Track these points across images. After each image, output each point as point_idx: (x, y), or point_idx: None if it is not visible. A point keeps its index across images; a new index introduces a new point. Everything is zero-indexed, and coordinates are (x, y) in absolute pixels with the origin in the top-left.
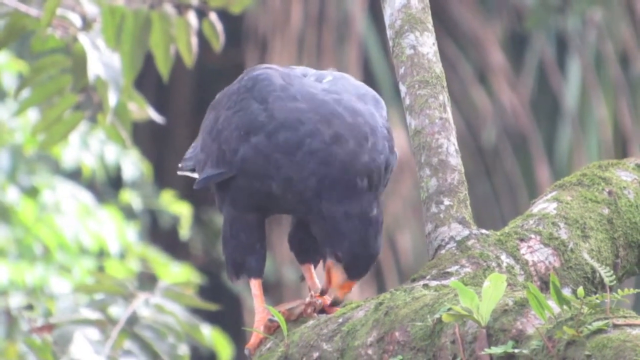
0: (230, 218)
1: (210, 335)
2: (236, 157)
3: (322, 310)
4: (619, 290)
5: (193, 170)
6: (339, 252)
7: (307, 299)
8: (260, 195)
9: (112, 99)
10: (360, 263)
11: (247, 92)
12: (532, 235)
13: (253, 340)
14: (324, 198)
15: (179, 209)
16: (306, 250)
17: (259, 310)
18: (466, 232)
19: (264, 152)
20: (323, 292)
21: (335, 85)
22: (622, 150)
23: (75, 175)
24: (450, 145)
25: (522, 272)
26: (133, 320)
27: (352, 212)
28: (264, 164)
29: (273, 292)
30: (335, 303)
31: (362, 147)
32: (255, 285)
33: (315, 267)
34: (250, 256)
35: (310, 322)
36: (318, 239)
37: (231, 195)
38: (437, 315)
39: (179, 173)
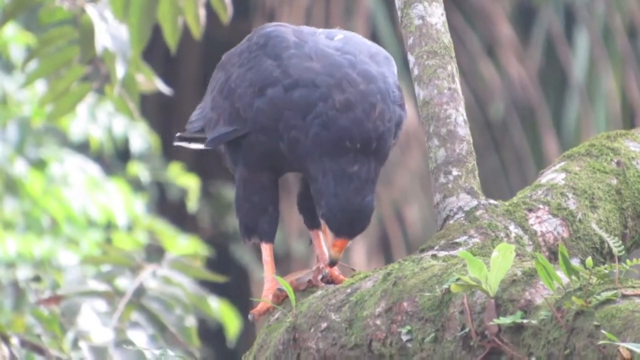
0: (244, 179)
1: (218, 307)
2: (251, 112)
3: (331, 281)
4: (627, 261)
5: (192, 140)
6: (320, 209)
7: (314, 267)
8: (271, 153)
9: (119, 70)
10: (338, 218)
11: (259, 50)
12: (541, 206)
13: (259, 307)
14: (313, 157)
15: (187, 182)
16: (314, 212)
17: (268, 279)
18: (474, 203)
19: (279, 106)
20: (332, 263)
21: (348, 45)
22: (630, 122)
23: (83, 147)
24: (458, 116)
25: (531, 243)
26: (140, 292)
27: (327, 168)
28: (276, 120)
29: (281, 264)
30: (331, 263)
31: (368, 115)
32: (266, 250)
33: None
34: (263, 218)
35: (319, 293)
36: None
37: (243, 155)
38: (445, 286)
39: (176, 144)
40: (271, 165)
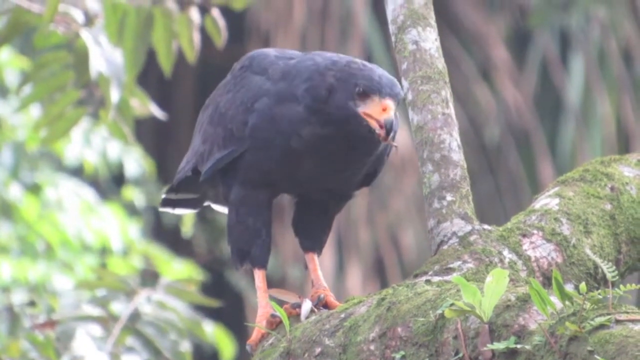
0: (238, 201)
1: (213, 332)
2: (246, 129)
3: (325, 305)
4: (621, 286)
5: (177, 205)
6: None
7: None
8: (273, 165)
9: (114, 95)
10: (377, 81)
11: (246, 71)
12: (535, 231)
13: (254, 336)
14: None
15: None
16: (310, 232)
17: (262, 305)
18: (468, 228)
19: (269, 115)
20: (388, 124)
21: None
22: (625, 146)
23: (77, 172)
24: (452, 141)
25: (525, 268)
26: (135, 316)
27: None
28: (271, 128)
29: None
30: (387, 124)
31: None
32: (259, 276)
33: (318, 255)
34: (256, 243)
35: (313, 318)
36: None
37: (241, 174)
38: (439, 311)
39: (161, 209)
40: (270, 182)
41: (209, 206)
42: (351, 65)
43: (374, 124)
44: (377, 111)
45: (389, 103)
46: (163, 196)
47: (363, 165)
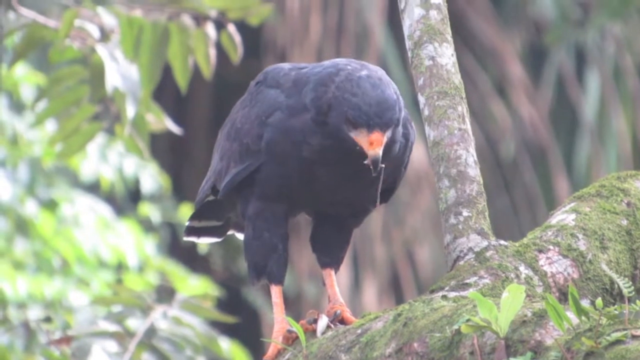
0: (255, 215)
1: (229, 348)
2: (261, 143)
3: (341, 321)
4: (637, 302)
5: (201, 233)
6: (348, 118)
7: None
8: (289, 177)
9: (130, 110)
10: (364, 111)
11: (261, 86)
12: (551, 247)
13: (271, 351)
14: None
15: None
16: (327, 248)
17: (278, 320)
18: (485, 243)
19: (283, 128)
20: (375, 162)
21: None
22: None
23: (93, 188)
24: (469, 157)
25: (541, 283)
26: (151, 332)
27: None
28: (285, 140)
29: (293, 305)
30: (374, 162)
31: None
32: (276, 292)
33: (336, 271)
34: (272, 258)
35: (329, 333)
36: None
37: (258, 189)
38: (455, 326)
39: (185, 238)
40: (286, 196)
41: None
42: (345, 86)
43: (364, 152)
44: (365, 143)
45: (377, 136)
46: (187, 224)
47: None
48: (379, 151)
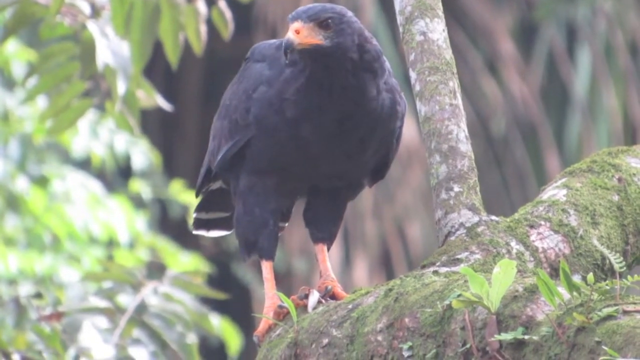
0: (246, 189)
1: (219, 324)
2: (249, 116)
3: (333, 296)
4: (628, 277)
5: (210, 226)
6: None
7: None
8: (279, 147)
9: (120, 86)
10: None
11: (248, 62)
12: (542, 222)
13: (262, 326)
14: None
15: (189, 199)
16: (321, 223)
17: (269, 296)
18: (476, 219)
19: (267, 100)
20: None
21: None
22: (631, 138)
23: (84, 164)
24: (460, 132)
25: (532, 259)
26: (141, 308)
27: None
28: (270, 111)
29: (282, 281)
30: (286, 45)
31: None
32: (266, 267)
33: (329, 246)
34: (263, 233)
35: (320, 309)
36: None
37: (249, 163)
38: (447, 302)
39: (194, 232)
40: (279, 168)
41: None
42: None
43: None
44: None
45: (295, 25)
46: (194, 216)
47: (371, 132)
48: (291, 35)
